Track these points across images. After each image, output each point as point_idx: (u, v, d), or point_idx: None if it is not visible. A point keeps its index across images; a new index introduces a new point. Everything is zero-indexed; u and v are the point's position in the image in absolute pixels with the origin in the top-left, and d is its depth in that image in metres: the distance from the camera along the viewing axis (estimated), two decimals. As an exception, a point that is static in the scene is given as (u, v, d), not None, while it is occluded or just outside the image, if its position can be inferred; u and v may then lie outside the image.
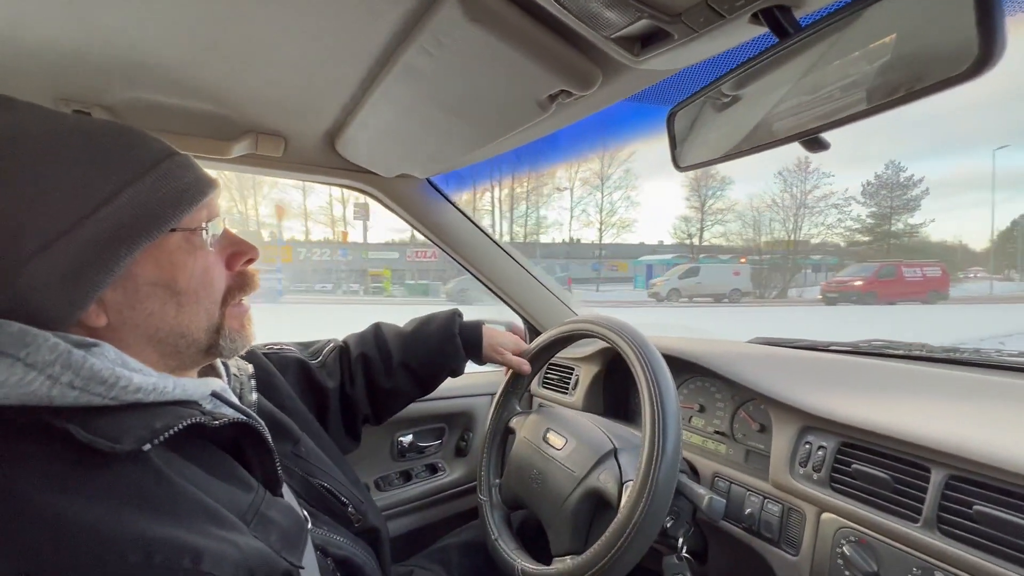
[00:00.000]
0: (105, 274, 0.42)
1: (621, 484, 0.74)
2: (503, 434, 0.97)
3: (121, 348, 0.44)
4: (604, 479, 0.76)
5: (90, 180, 0.42)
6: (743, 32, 0.46)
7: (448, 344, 0.93)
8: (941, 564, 0.58)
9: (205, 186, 0.49)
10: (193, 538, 0.38)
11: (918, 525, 0.61)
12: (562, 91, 0.62)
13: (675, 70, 0.57)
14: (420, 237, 1.24)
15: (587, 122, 0.82)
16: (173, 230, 0.47)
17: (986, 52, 0.32)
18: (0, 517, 0.34)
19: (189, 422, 0.43)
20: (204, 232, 0.49)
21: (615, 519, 0.66)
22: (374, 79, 0.71)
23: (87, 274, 0.42)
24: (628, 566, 0.66)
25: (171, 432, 0.41)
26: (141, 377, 0.42)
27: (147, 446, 0.39)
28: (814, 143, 0.45)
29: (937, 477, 0.62)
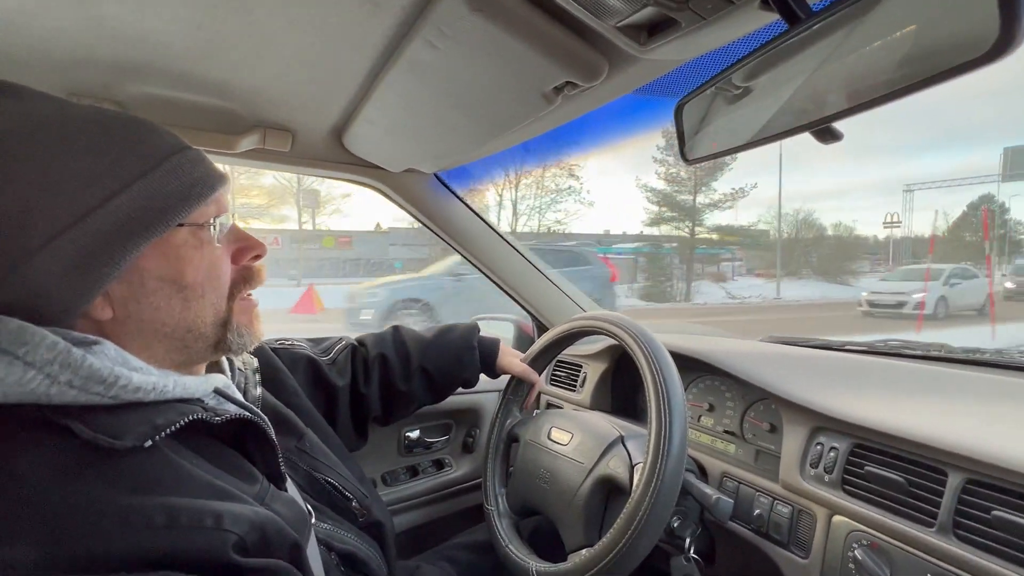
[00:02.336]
0: (112, 267, 0.42)
1: (631, 467, 0.73)
2: (507, 442, 0.96)
3: (127, 342, 0.45)
4: (614, 465, 0.75)
5: (101, 171, 0.42)
6: (752, 19, 0.45)
7: (467, 354, 0.96)
8: (957, 570, 0.56)
9: (215, 181, 0.49)
10: (211, 504, 0.40)
11: (933, 530, 0.59)
12: (568, 83, 0.61)
13: (682, 60, 0.55)
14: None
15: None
16: (181, 225, 0.46)
17: (1007, 34, 0.30)
18: (13, 505, 0.34)
19: (190, 418, 0.43)
20: (212, 227, 0.49)
21: (628, 500, 0.66)
22: (379, 72, 0.71)
23: (94, 266, 0.41)
24: (643, 551, 0.65)
25: (172, 429, 0.41)
26: (141, 376, 0.41)
27: (148, 442, 0.39)
28: (826, 133, 0.43)
29: (954, 481, 0.59)
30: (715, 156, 0.56)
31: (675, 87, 0.67)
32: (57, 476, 0.36)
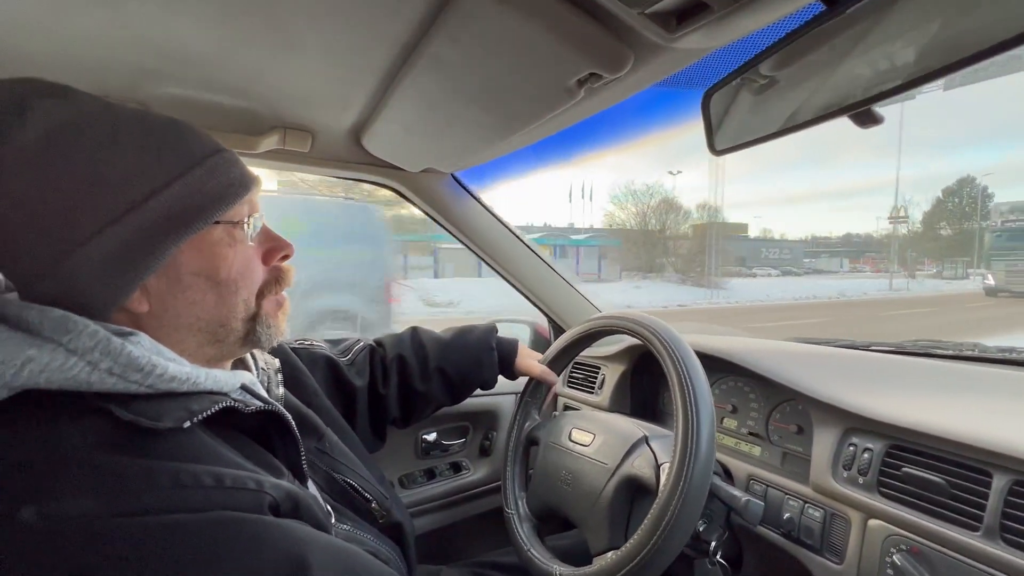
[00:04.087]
0: (151, 261, 0.44)
1: (657, 467, 0.71)
2: (525, 445, 0.95)
3: (161, 335, 0.46)
4: (639, 465, 0.73)
5: (144, 169, 0.43)
6: (789, 1, 0.44)
7: (485, 355, 0.95)
8: None
9: (249, 181, 0.51)
10: (252, 473, 0.43)
11: (978, 534, 0.57)
12: (592, 74, 0.60)
13: (712, 48, 0.54)
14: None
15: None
16: (217, 222, 0.48)
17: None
18: (67, 465, 0.36)
19: (224, 404, 0.44)
20: (246, 226, 0.51)
21: (656, 501, 0.64)
22: (400, 69, 0.71)
23: (134, 260, 0.43)
24: (673, 553, 0.63)
25: (208, 413, 0.43)
26: (176, 367, 0.43)
27: (187, 423, 0.41)
28: (866, 117, 0.42)
29: (1000, 483, 0.57)
30: (744, 146, 0.54)
31: (701, 78, 0.65)
32: (104, 447, 0.37)
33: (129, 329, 0.43)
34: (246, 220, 0.51)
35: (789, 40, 0.46)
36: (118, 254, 0.42)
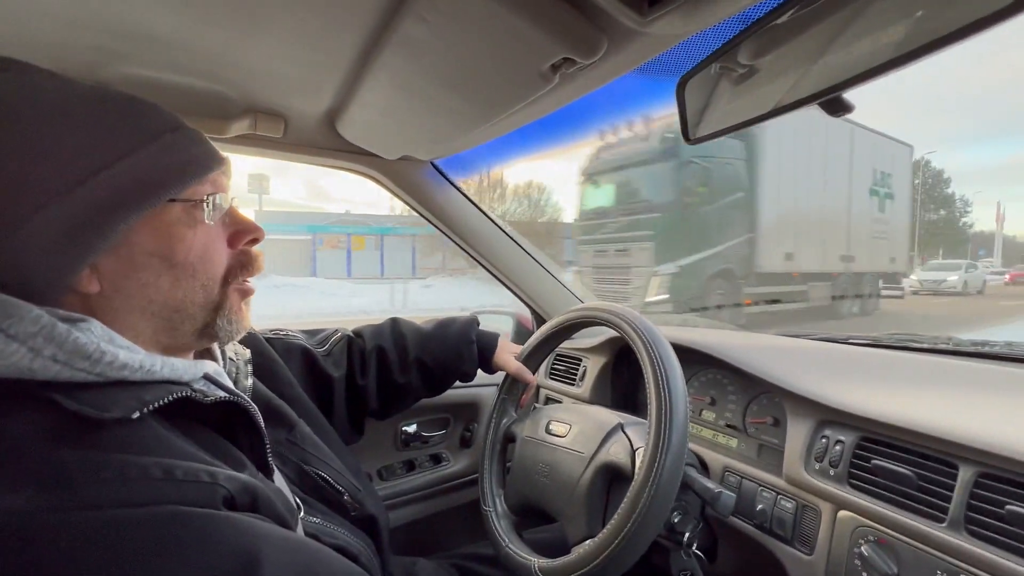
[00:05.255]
0: (101, 238, 0.42)
1: (633, 452, 0.71)
2: (503, 442, 0.94)
3: (113, 319, 0.44)
4: (615, 451, 0.73)
5: (95, 144, 0.42)
6: (761, -16, 0.43)
7: (465, 348, 0.94)
8: (968, 567, 0.54)
9: (211, 161, 0.49)
10: (206, 465, 0.41)
11: (943, 525, 0.57)
12: (566, 59, 0.58)
13: (687, 34, 0.52)
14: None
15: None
16: (173, 200, 0.46)
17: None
18: (7, 458, 0.34)
19: (179, 395, 0.43)
20: (206, 206, 0.49)
21: (631, 484, 0.64)
22: (372, 51, 0.69)
23: (83, 237, 0.41)
24: (649, 537, 0.63)
25: (161, 403, 0.41)
26: (127, 354, 0.41)
27: (136, 414, 0.39)
28: (836, 104, 0.41)
29: (966, 475, 0.57)
30: (720, 134, 0.53)
31: (680, 66, 0.64)
32: (47, 438, 0.36)
33: (79, 315, 0.41)
34: (206, 199, 0.48)
35: (763, 24, 0.45)
36: (64, 230, 0.40)
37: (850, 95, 0.40)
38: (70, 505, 0.34)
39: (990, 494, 0.55)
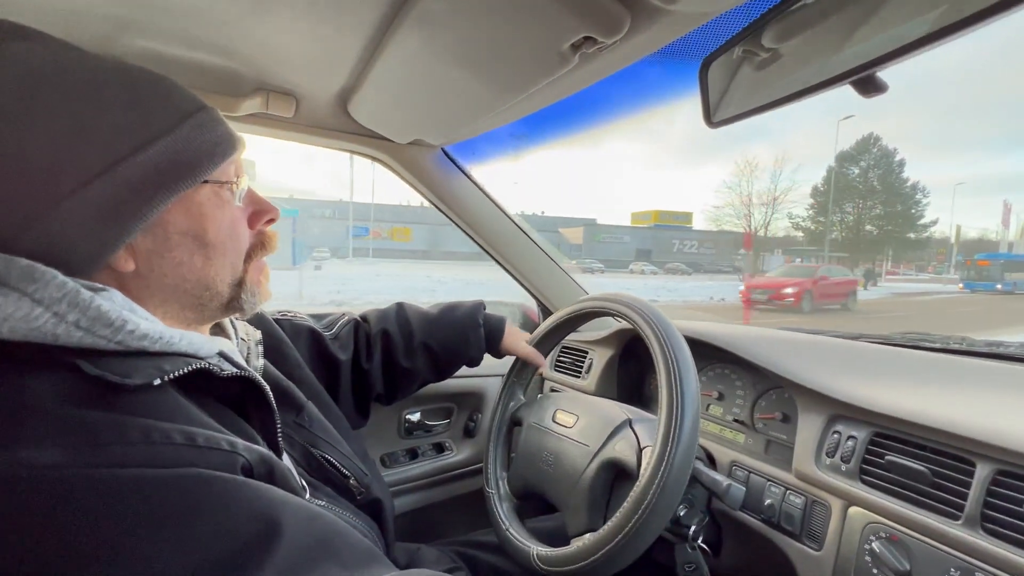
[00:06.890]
0: (138, 219, 0.43)
1: (639, 450, 0.70)
2: (509, 425, 0.94)
3: (145, 296, 0.46)
4: (620, 448, 0.72)
5: (130, 123, 0.42)
6: (794, -42, 0.41)
7: (472, 332, 0.93)
8: (983, 565, 0.53)
9: (235, 140, 0.50)
10: (226, 434, 0.41)
11: (959, 523, 0.56)
12: (586, 38, 0.57)
13: (715, 12, 0.51)
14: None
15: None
16: (205, 182, 0.47)
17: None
18: (33, 415, 0.34)
19: (197, 366, 0.43)
20: (234, 187, 0.50)
21: (636, 484, 0.63)
22: (387, 29, 0.68)
23: (120, 217, 0.42)
24: (650, 537, 0.62)
25: (179, 372, 0.41)
26: (148, 324, 0.42)
27: (157, 380, 0.39)
28: (868, 84, 0.39)
29: (983, 472, 0.56)
30: (743, 116, 0.52)
31: (700, 51, 0.63)
32: (71, 400, 0.36)
33: (101, 285, 0.41)
34: (234, 180, 0.50)
35: (788, 5, 0.44)
36: (104, 208, 0.41)
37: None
38: (96, 462, 0.34)
39: (1008, 492, 0.54)
